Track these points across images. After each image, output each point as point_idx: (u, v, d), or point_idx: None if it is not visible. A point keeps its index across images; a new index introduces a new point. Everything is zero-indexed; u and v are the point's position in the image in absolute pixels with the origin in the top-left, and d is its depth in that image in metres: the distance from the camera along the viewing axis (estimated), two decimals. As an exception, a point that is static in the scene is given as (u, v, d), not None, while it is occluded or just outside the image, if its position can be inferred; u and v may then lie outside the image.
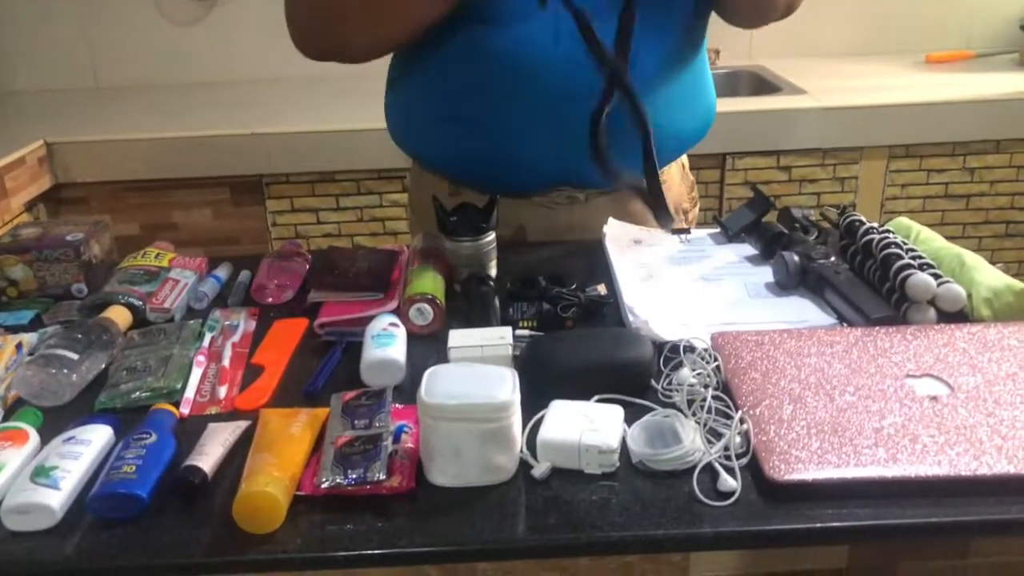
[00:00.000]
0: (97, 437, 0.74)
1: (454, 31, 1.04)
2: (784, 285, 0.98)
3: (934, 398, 0.74)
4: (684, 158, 1.25)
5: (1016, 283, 0.88)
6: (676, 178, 1.22)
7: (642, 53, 1.03)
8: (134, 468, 0.68)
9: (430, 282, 0.96)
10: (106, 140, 1.84)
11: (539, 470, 0.70)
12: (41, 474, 0.69)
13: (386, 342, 0.84)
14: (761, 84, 2.13)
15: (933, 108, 1.84)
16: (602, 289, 0.98)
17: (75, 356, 0.84)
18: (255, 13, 2.26)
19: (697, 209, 1.28)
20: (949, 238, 0.93)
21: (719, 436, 0.72)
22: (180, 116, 1.99)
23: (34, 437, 0.75)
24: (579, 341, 0.84)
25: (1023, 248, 1.94)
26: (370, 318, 0.90)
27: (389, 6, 0.99)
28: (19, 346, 0.89)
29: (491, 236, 1.02)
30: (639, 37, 1.02)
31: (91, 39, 2.29)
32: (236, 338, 0.93)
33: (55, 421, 0.79)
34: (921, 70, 2.13)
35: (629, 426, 0.73)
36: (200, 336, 0.93)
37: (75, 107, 2.14)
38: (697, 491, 0.67)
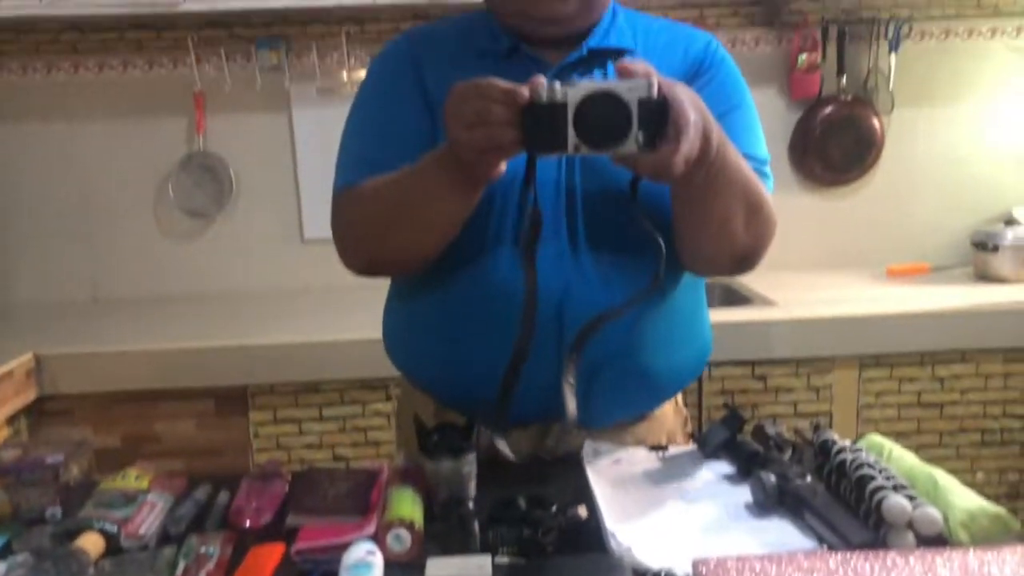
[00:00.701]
0: None
1: (453, 254, 1.09)
2: (763, 506, 0.98)
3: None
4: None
5: (990, 506, 0.89)
6: (670, 414, 1.24)
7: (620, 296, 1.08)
8: None
9: (408, 505, 0.95)
10: (95, 352, 1.87)
11: None
12: None
13: (362, 572, 0.83)
14: (732, 295, 2.22)
15: (899, 319, 1.92)
16: (582, 511, 0.98)
17: (44, 589, 0.82)
18: (249, 229, 2.38)
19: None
20: (927, 448, 0.94)
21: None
22: (171, 328, 2.04)
23: None
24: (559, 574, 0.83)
25: (1002, 457, 1.96)
26: (348, 544, 0.89)
27: (425, 214, 1.04)
28: (-14, 577, 0.87)
29: (471, 456, 1.03)
30: (614, 278, 1.08)
31: (92, 254, 2.38)
32: (211, 566, 0.91)
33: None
34: (883, 282, 2.23)
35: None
36: (174, 565, 0.91)
37: (70, 319, 2.19)
38: None
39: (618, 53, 1.14)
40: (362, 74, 2.28)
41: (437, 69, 1.14)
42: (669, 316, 1.14)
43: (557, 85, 0.87)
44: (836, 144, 2.37)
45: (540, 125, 0.88)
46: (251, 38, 2.29)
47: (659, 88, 0.88)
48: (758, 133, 1.16)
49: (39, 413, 1.85)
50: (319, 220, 2.33)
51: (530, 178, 0.99)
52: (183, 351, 1.87)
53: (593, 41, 1.14)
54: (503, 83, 0.90)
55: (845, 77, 2.33)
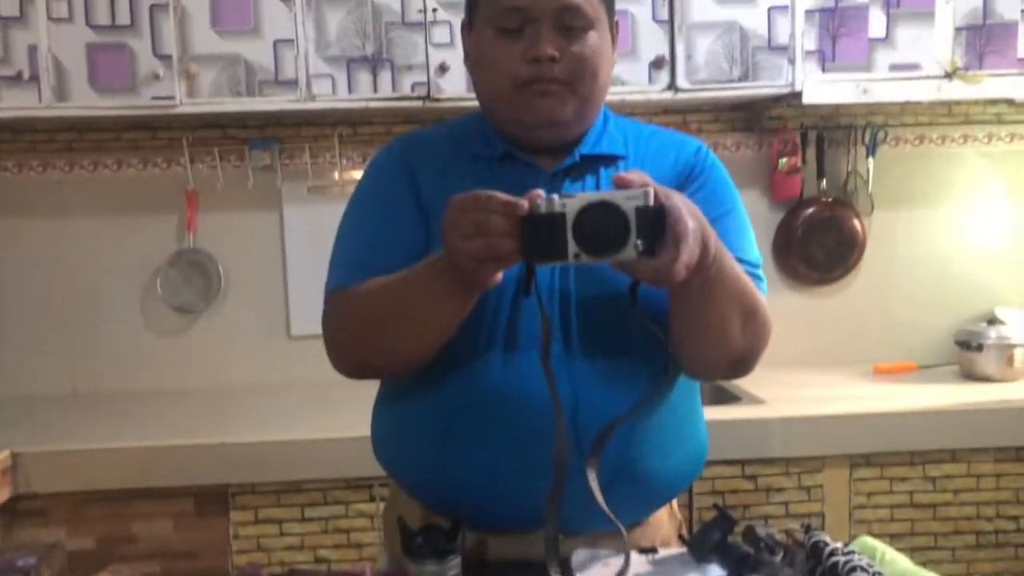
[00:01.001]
0: None
1: (444, 357, 1.09)
2: (755, 611, 0.96)
3: None
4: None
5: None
6: (664, 518, 1.22)
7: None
8: None
9: (392, 611, 0.92)
10: (73, 450, 1.83)
11: None
12: None
13: None
14: (721, 394, 2.21)
15: (888, 418, 1.91)
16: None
17: None
18: (235, 325, 2.38)
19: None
20: (921, 550, 0.92)
21: None
22: (152, 425, 2.01)
23: None
24: None
25: (998, 559, 1.92)
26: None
27: (420, 317, 1.05)
28: None
29: (456, 559, 1.01)
30: (611, 382, 1.08)
31: (74, 347, 2.36)
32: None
33: None
34: (870, 380, 2.24)
35: None
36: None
37: (49, 415, 2.16)
38: None
39: (610, 159, 1.17)
40: (354, 175, 2.35)
41: (431, 174, 1.16)
42: (666, 419, 1.14)
43: (556, 197, 0.90)
44: (819, 244, 2.41)
45: (540, 235, 0.90)
46: (245, 139, 2.34)
47: (656, 196, 0.90)
48: (750, 237, 1.18)
49: (12, 513, 1.80)
50: (306, 316, 2.33)
51: (530, 285, 1.00)
52: (163, 448, 1.83)
53: (585, 147, 1.16)
54: (502, 195, 0.92)
55: (825, 180, 2.40)
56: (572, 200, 0.90)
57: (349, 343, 1.13)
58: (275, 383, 2.36)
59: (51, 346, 2.36)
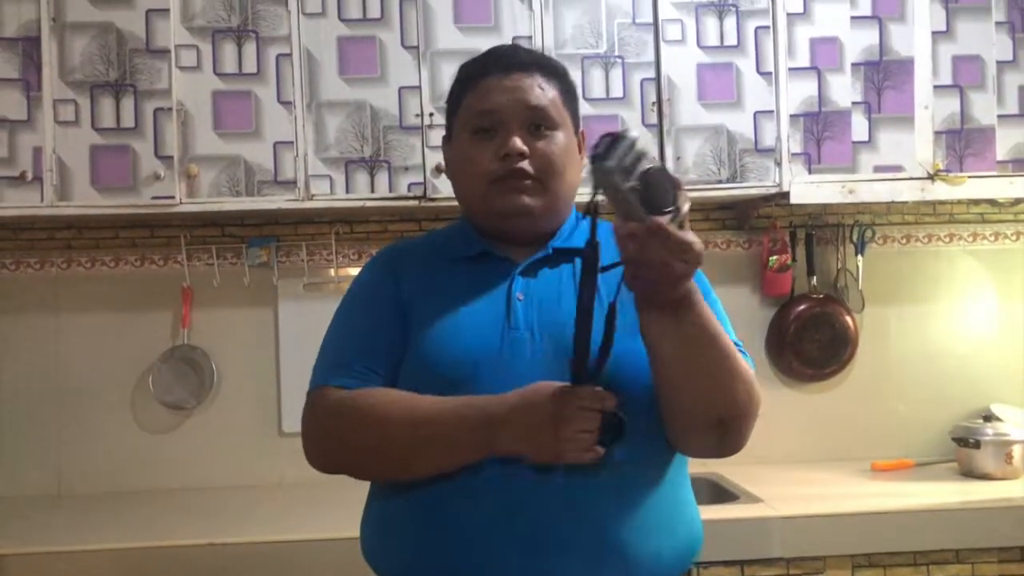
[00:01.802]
0: None
1: None
2: None
3: None
4: None
5: None
6: None
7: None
8: None
9: None
10: (55, 551, 1.78)
11: None
12: None
13: None
14: (718, 492, 2.18)
15: (891, 516, 1.88)
16: None
17: None
18: (227, 422, 2.35)
19: None
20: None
21: None
22: (140, 525, 1.97)
23: None
24: None
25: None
26: None
27: (430, 456, 1.12)
28: None
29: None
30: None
31: (61, 445, 2.33)
32: None
33: None
34: (868, 478, 2.21)
35: None
36: None
37: (33, 516, 2.11)
38: None
39: (582, 252, 1.20)
40: (350, 271, 2.37)
41: (412, 275, 1.25)
42: (652, 503, 1.13)
43: (633, 133, 1.01)
44: (811, 340, 2.42)
45: (616, 150, 0.99)
46: (243, 237, 2.37)
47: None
48: (728, 323, 1.21)
49: (-9, 619, 1.74)
50: (298, 413, 2.27)
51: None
52: (151, 550, 1.79)
53: (558, 241, 1.25)
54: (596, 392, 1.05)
55: (815, 277, 2.43)
56: (649, 159, 1.00)
57: (334, 450, 1.19)
58: (266, 481, 2.32)
59: (39, 444, 2.32)
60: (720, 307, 1.22)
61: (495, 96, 1.20)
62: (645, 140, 1.01)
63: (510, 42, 2.07)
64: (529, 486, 1.07)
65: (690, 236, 1.00)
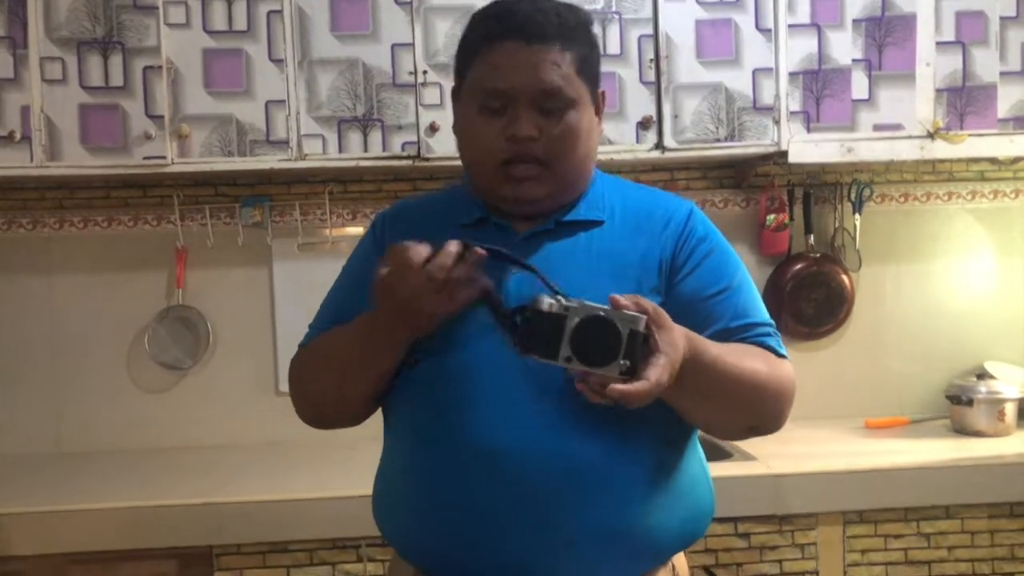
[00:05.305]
0: None
1: (434, 414, 1.12)
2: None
3: None
4: (678, 559, 1.23)
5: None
6: None
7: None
8: None
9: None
10: (53, 511, 1.80)
11: None
12: None
13: None
14: (712, 449, 2.19)
15: (882, 474, 1.90)
16: None
17: None
18: (223, 381, 2.36)
19: None
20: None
21: None
22: (137, 484, 1.98)
23: None
24: None
25: (996, 621, 1.90)
26: None
27: (357, 368, 1.15)
28: None
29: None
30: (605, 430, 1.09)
31: (59, 405, 2.34)
32: None
33: None
34: (862, 435, 2.23)
35: None
36: None
37: (31, 474, 2.12)
38: None
39: (587, 225, 1.19)
40: (344, 231, 2.36)
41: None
42: (658, 476, 1.14)
43: (561, 299, 0.96)
44: (807, 299, 2.42)
45: (538, 332, 0.95)
46: (236, 196, 2.35)
47: (647, 324, 0.97)
48: (756, 297, 1.21)
49: (-10, 577, 1.76)
50: None
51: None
52: (147, 509, 1.81)
53: (562, 214, 1.20)
54: (424, 247, 1.04)
55: (813, 236, 2.42)
56: (575, 307, 0.95)
57: (300, 393, 1.25)
58: (263, 440, 2.33)
59: (36, 403, 2.33)
60: (748, 284, 1.21)
61: (508, 74, 1.12)
62: (555, 297, 0.98)
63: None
64: (529, 463, 1.07)
65: (635, 387, 0.96)
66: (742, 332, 1.15)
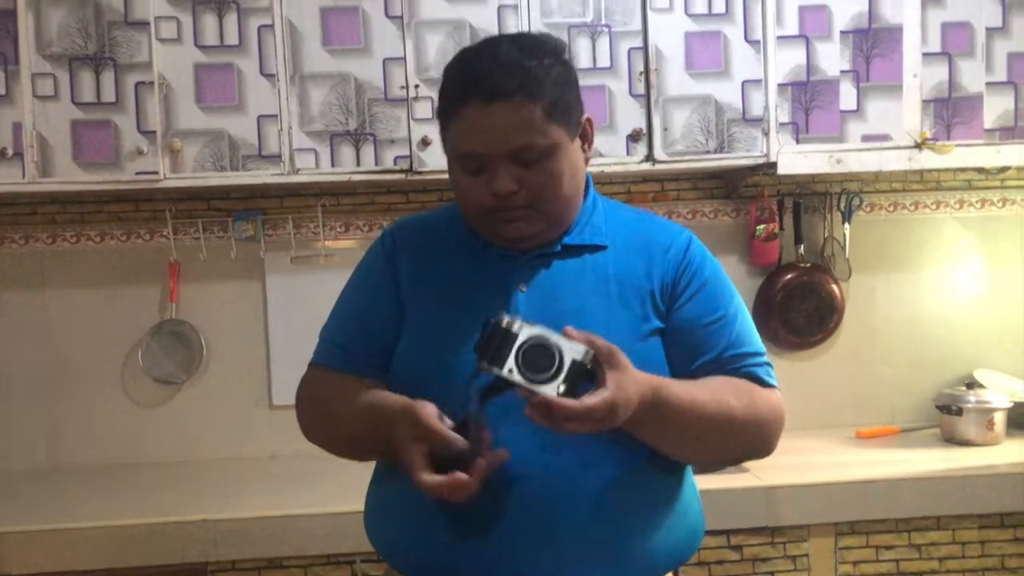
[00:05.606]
0: None
1: None
2: None
3: None
4: None
5: None
6: None
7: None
8: None
9: None
10: (50, 529, 1.80)
11: None
12: None
13: None
14: (705, 461, 2.21)
15: (873, 485, 1.91)
16: None
17: None
18: (217, 395, 2.36)
19: None
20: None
21: None
22: (131, 500, 1.98)
23: None
24: None
25: (988, 632, 1.91)
26: None
27: (366, 447, 1.22)
28: None
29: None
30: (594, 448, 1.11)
31: (51, 420, 2.34)
32: None
33: None
34: (853, 445, 2.24)
35: None
36: None
37: (24, 491, 2.12)
38: None
39: (592, 249, 1.22)
40: (337, 244, 2.36)
41: (413, 258, 1.25)
42: (648, 497, 1.15)
43: (519, 320, 1.02)
44: (798, 309, 2.43)
45: (491, 341, 1.03)
46: (229, 210, 2.35)
47: (594, 359, 1.02)
48: (750, 326, 1.23)
49: (-16, 597, 1.76)
50: (288, 386, 2.24)
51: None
52: (142, 527, 1.80)
53: (568, 238, 1.22)
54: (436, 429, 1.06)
55: (803, 246, 2.43)
56: (528, 330, 1.03)
57: (310, 428, 1.30)
58: (257, 453, 2.33)
59: (29, 419, 2.33)
60: (742, 313, 1.23)
61: (476, 138, 1.13)
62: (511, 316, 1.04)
63: (495, 12, 2.05)
64: (524, 478, 1.09)
65: (564, 402, 1.00)
66: (734, 362, 1.19)
